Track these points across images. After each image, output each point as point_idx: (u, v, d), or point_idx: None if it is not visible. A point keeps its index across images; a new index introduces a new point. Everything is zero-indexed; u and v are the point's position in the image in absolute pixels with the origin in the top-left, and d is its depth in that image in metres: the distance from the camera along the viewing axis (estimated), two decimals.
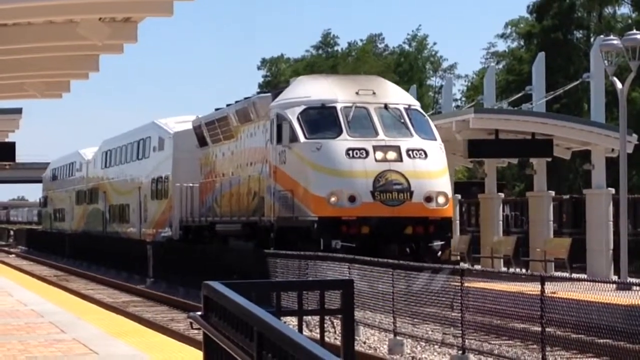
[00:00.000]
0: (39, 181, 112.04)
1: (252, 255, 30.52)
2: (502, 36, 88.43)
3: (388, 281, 23.76)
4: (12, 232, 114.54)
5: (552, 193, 42.29)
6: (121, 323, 23.36)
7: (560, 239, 40.35)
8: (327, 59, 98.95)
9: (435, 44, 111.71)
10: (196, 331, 8.57)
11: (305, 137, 29.29)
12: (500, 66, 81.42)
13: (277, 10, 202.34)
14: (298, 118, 29.73)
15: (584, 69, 41.89)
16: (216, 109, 42.92)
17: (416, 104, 32.87)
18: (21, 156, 33.27)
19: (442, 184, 29.47)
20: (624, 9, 72.76)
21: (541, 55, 45.43)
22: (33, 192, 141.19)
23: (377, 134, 29.31)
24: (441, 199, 29.10)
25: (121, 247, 50.81)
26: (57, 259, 60.81)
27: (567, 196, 50.13)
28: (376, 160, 28.72)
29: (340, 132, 29.19)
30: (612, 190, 35.11)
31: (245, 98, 40.32)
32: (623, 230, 33.20)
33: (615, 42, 33.97)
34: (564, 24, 74.67)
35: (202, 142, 40.97)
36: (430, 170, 29.24)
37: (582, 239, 38.58)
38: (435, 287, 23.36)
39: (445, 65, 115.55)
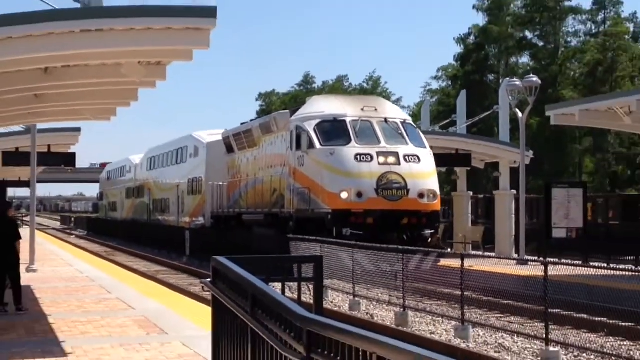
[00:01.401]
0: (93, 181, 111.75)
1: (274, 239, 30.33)
2: (436, 77, 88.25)
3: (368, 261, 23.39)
4: (72, 219, 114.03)
5: (471, 193, 42.30)
6: (152, 287, 23.33)
7: (476, 227, 40.39)
8: (307, 94, 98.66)
9: (386, 82, 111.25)
10: (207, 293, 8.55)
11: (321, 145, 28.84)
12: (434, 100, 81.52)
13: (271, 57, 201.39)
14: (314, 129, 29.33)
15: (494, 102, 41.92)
16: (242, 123, 42.23)
17: (409, 119, 32.88)
18: (79, 163, 33.44)
19: (432, 183, 29.14)
20: (525, 59, 72.70)
21: (463, 92, 45.67)
22: (89, 189, 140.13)
23: (379, 142, 28.94)
24: (431, 196, 28.75)
25: (162, 231, 50.76)
26: (109, 240, 60.61)
27: (482, 196, 50.16)
28: (379, 164, 28.25)
29: (349, 141, 28.76)
30: (514, 192, 35.21)
31: (267, 114, 43.04)
32: (522, 221, 33.40)
33: (517, 83, 34.09)
34: (480, 69, 74.71)
35: (230, 150, 40.42)
36: (423, 172, 28.88)
37: (492, 227, 38.63)
38: (393, 265, 22.62)
39: (393, 98, 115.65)
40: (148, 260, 41.46)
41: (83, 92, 17.16)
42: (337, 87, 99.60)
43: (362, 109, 30.09)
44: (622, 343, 16.98)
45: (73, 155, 30.38)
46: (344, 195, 27.57)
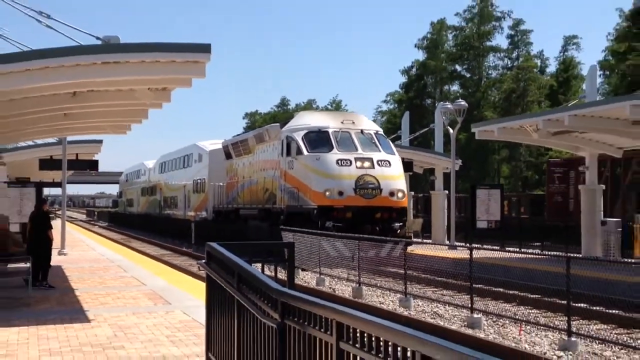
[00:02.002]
0: (113, 182, 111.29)
1: (266, 229, 30.02)
2: (385, 101, 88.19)
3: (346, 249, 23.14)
4: (96, 213, 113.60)
5: (413, 193, 42.48)
6: (160, 267, 23.28)
7: (417, 219, 40.55)
8: (283, 114, 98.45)
9: (346, 105, 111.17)
10: (203, 272, 8.51)
11: (308, 151, 28.13)
12: (384, 119, 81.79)
13: (254, 83, 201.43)
14: (302, 138, 28.72)
15: (431, 121, 42.15)
16: (234, 136, 42.13)
17: (381, 131, 31.72)
18: (101, 168, 33.36)
19: (401, 184, 28.36)
20: (455, 87, 73.05)
21: (407, 113, 45.77)
22: (109, 189, 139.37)
23: (356, 149, 28.13)
24: (400, 194, 27.92)
25: (171, 223, 50.65)
26: (127, 229, 60.42)
27: (421, 195, 50.41)
28: (357, 167, 27.45)
29: (332, 148, 27.96)
30: (446, 192, 35.32)
31: (252, 129, 41.84)
32: (452, 215, 33.50)
33: (449, 106, 34.23)
34: (420, 95, 74.88)
35: (228, 156, 39.76)
36: (393, 174, 28.13)
37: (429, 219, 38.78)
38: (351, 250, 22.51)
39: None
40: (158, 246, 41.32)
41: (104, 111, 17.14)
42: (308, 108, 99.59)
43: (342, 122, 29.68)
44: (530, 311, 17.12)
45: (96, 162, 30.30)
46: (328, 193, 26.92)
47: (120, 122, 19.24)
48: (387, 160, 28.30)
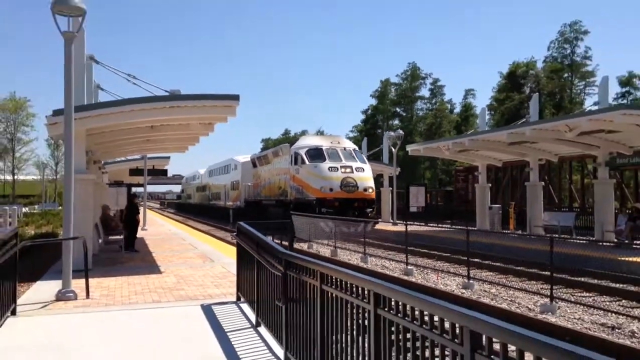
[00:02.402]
0: (177, 183, 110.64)
1: (280, 213, 29.06)
2: (351, 131, 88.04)
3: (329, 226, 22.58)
4: (165, 204, 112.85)
5: (391, 189, 42.16)
6: (207, 238, 23.15)
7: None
8: (286, 139, 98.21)
9: (329, 131, 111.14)
10: (234, 240, 8.49)
11: (309, 162, 28.06)
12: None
13: (266, 118, 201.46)
14: (305, 153, 28.61)
15: (381, 143, 42.13)
16: (261, 150, 41.90)
17: (357, 148, 31.34)
18: (170, 173, 33.60)
19: (371, 183, 28.02)
20: (396, 121, 72.89)
21: (365, 139, 45.73)
22: (175, 188, 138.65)
23: (341, 160, 27.97)
24: (370, 190, 27.66)
25: (216, 209, 49.98)
26: (187, 214, 60.03)
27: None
28: (342, 172, 27.32)
29: (324, 160, 27.82)
30: (391, 188, 35.23)
31: (266, 149, 43.34)
32: (395, 203, 33.48)
33: (392, 134, 34.25)
34: (374, 127, 74.63)
35: (254, 165, 39.03)
36: (366, 177, 27.89)
37: (379, 207, 38.79)
38: (330, 227, 22.40)
39: None
40: (206, 224, 41.12)
41: (170, 137, 17.06)
42: (303, 134, 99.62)
43: (331, 142, 29.55)
44: (444, 264, 17.14)
45: (166, 170, 30.31)
46: (322, 189, 26.88)
47: (181, 145, 19.19)
48: (362, 167, 28.22)
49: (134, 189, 31.98)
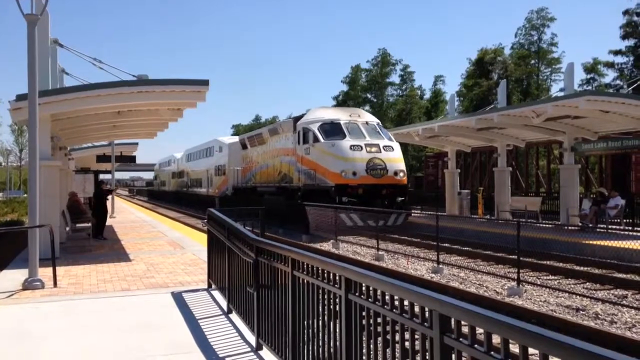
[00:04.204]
0: (146, 170, 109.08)
1: (284, 202, 25.46)
2: None
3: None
4: (134, 191, 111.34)
5: None
6: (178, 225, 22.98)
7: None
8: (258, 125, 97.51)
9: None
10: (205, 227, 8.45)
11: (324, 139, 22.98)
12: None
13: (236, 102, 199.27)
14: (319, 128, 23.54)
15: None
16: (260, 127, 36.88)
17: (380, 123, 26.00)
18: (138, 160, 32.11)
19: (402, 165, 23.21)
20: (367, 107, 72.81)
21: None
22: (144, 175, 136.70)
23: (365, 137, 23.00)
24: (402, 174, 22.82)
25: (196, 197, 45.86)
26: (159, 202, 58.58)
27: None
28: (367, 152, 22.40)
29: (344, 136, 22.85)
30: None
31: (275, 122, 36.67)
32: None
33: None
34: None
35: (244, 147, 34.80)
36: (396, 157, 23.07)
37: None
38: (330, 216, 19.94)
39: None
40: (176, 212, 40.80)
41: (138, 123, 16.80)
42: (273, 122, 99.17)
43: (350, 115, 24.64)
44: (414, 249, 17.31)
45: (134, 157, 29.72)
46: (344, 174, 22.01)
47: (150, 131, 18.91)
48: (391, 146, 23.34)
49: (101, 176, 31.49)
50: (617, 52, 50.23)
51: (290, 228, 22.64)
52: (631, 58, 49.45)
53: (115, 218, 25.46)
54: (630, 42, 49.13)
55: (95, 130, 17.28)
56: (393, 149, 23.23)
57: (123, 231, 18.68)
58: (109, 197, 18.88)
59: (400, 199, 22.63)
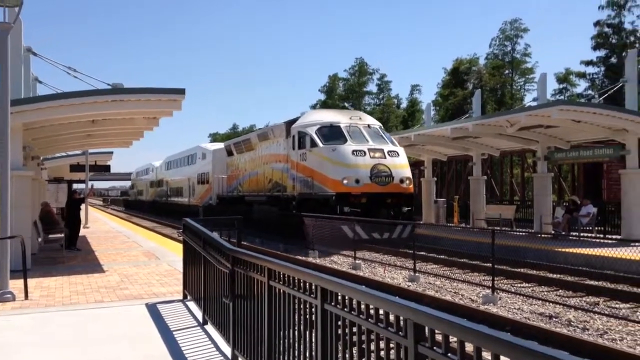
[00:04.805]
0: (122, 179, 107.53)
1: (277, 212, 23.50)
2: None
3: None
4: (109, 200, 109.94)
5: None
6: (153, 235, 22.74)
7: None
8: (235, 134, 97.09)
9: None
10: (181, 237, 8.38)
11: (323, 144, 21.00)
12: None
13: (214, 112, 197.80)
14: (316, 132, 21.53)
15: None
16: (238, 136, 34.57)
17: (382, 126, 23.88)
18: (113, 169, 31.14)
19: (408, 172, 21.25)
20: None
21: None
22: (119, 184, 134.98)
23: (367, 141, 21.02)
24: (408, 182, 20.84)
25: (177, 207, 42.88)
26: (135, 212, 56.35)
27: None
28: (370, 158, 20.47)
29: (345, 140, 20.83)
30: None
31: (265, 127, 32.95)
32: None
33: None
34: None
35: (229, 154, 32.61)
36: (402, 163, 21.08)
37: None
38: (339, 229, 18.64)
39: None
40: (151, 221, 40.16)
41: (113, 132, 16.61)
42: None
43: (350, 118, 22.49)
44: (390, 257, 17.32)
45: (109, 166, 29.34)
46: (346, 181, 20.05)
47: (125, 140, 18.72)
48: (396, 151, 21.45)
49: (75, 186, 31.04)
50: (588, 63, 51.30)
51: (292, 243, 21.02)
52: (602, 68, 50.52)
53: (89, 228, 25.10)
54: (601, 52, 50.23)
55: (69, 139, 17.06)
56: (398, 154, 21.45)
57: (97, 242, 18.42)
58: (82, 206, 18.55)
59: (406, 208, 20.80)
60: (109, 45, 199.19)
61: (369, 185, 20.19)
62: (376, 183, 20.29)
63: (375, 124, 23.12)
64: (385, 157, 20.83)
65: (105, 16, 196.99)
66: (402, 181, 20.71)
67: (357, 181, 20.10)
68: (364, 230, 18.51)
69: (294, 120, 23.89)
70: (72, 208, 16.61)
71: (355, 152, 20.57)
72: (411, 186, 21.25)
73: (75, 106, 11.50)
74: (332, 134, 21.59)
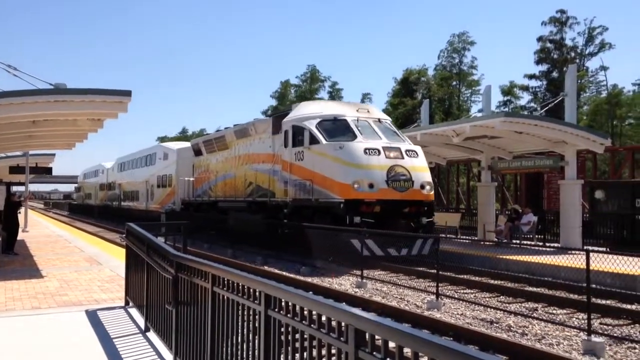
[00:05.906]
0: (65, 182, 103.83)
1: (262, 221, 19.94)
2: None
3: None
4: (51, 204, 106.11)
5: None
6: (96, 240, 22.13)
7: None
8: (185, 137, 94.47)
9: None
10: (124, 242, 8.19)
11: (326, 140, 17.47)
12: None
13: (166, 115, 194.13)
14: (317, 126, 18.01)
15: None
16: (211, 132, 29.92)
17: (392, 121, 21.06)
18: (55, 172, 29.71)
19: (429, 176, 17.96)
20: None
21: None
22: (61, 187, 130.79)
23: (380, 138, 17.65)
24: (429, 187, 17.52)
25: (131, 213, 38.43)
26: (84, 217, 51.90)
27: None
28: (386, 158, 16.96)
29: (355, 137, 17.36)
30: None
31: (200, 135, 28.59)
32: None
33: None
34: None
35: (198, 153, 28.74)
36: (422, 165, 17.71)
37: None
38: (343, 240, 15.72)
39: None
40: (94, 226, 39.08)
41: (55, 134, 16.15)
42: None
43: (357, 110, 18.91)
44: (339, 266, 17.35)
45: (50, 168, 28.32)
46: (356, 185, 16.46)
47: (68, 141, 18.20)
48: (415, 151, 17.99)
49: (14, 188, 29.84)
50: (531, 77, 53.27)
51: (283, 258, 18.27)
52: (544, 82, 52.53)
53: (28, 232, 24.20)
54: (544, 67, 52.25)
55: (8, 140, 16.45)
56: (417, 155, 18.02)
57: (36, 246, 17.78)
58: (21, 210, 17.89)
59: (427, 219, 17.59)
60: (52, 44, 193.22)
61: (385, 191, 16.81)
62: (394, 188, 16.91)
63: (386, 118, 20.11)
64: (402, 158, 17.45)
65: (46, 13, 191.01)
66: (422, 187, 17.40)
67: (372, 185, 16.69)
68: (379, 245, 15.88)
69: (284, 114, 20.59)
70: (10, 211, 15.99)
71: (367, 151, 17.06)
72: (432, 193, 18.05)
73: (15, 106, 11.11)
74: (336, 128, 18.21)
